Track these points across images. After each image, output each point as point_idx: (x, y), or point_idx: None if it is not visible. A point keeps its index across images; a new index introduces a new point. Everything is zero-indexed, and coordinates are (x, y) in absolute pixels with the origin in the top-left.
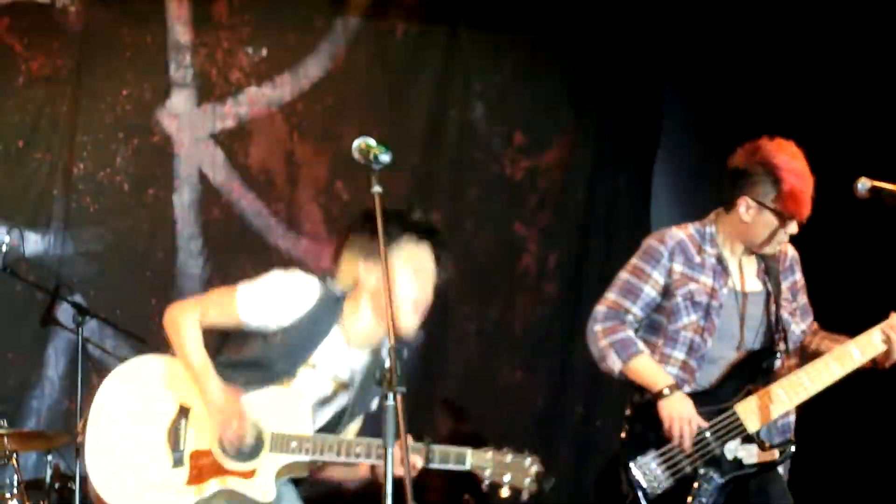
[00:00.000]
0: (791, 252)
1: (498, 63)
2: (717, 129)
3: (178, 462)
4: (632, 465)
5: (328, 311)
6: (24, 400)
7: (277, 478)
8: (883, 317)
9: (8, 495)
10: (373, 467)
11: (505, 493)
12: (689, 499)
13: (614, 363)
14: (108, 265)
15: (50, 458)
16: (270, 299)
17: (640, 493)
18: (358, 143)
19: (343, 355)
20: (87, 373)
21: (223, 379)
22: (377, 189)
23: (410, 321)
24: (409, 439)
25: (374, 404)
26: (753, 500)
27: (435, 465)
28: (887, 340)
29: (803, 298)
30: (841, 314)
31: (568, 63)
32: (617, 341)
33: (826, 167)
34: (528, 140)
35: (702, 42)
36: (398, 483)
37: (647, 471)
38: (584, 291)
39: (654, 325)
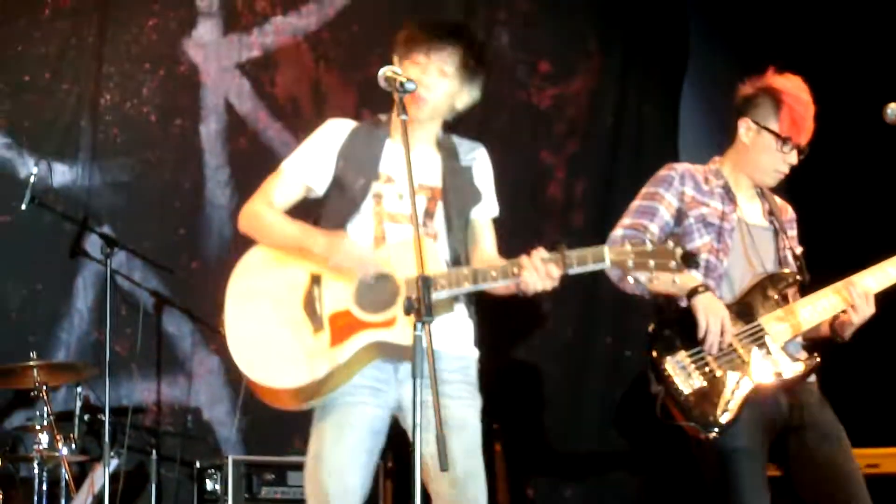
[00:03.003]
0: (791, 211)
1: None
2: (746, 54)
3: (318, 327)
4: (663, 362)
5: (373, 128)
6: (54, 332)
7: None
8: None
9: (38, 427)
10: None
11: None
12: (720, 399)
13: (640, 275)
14: (136, 196)
15: (79, 389)
16: (307, 145)
17: (671, 389)
18: (384, 71)
19: (413, 160)
20: (115, 304)
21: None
22: (404, 117)
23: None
24: (542, 251)
25: (475, 209)
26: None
27: (574, 270)
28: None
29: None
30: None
31: None
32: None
33: (854, 93)
34: (553, 68)
35: None
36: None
37: (679, 368)
38: (610, 220)
39: None
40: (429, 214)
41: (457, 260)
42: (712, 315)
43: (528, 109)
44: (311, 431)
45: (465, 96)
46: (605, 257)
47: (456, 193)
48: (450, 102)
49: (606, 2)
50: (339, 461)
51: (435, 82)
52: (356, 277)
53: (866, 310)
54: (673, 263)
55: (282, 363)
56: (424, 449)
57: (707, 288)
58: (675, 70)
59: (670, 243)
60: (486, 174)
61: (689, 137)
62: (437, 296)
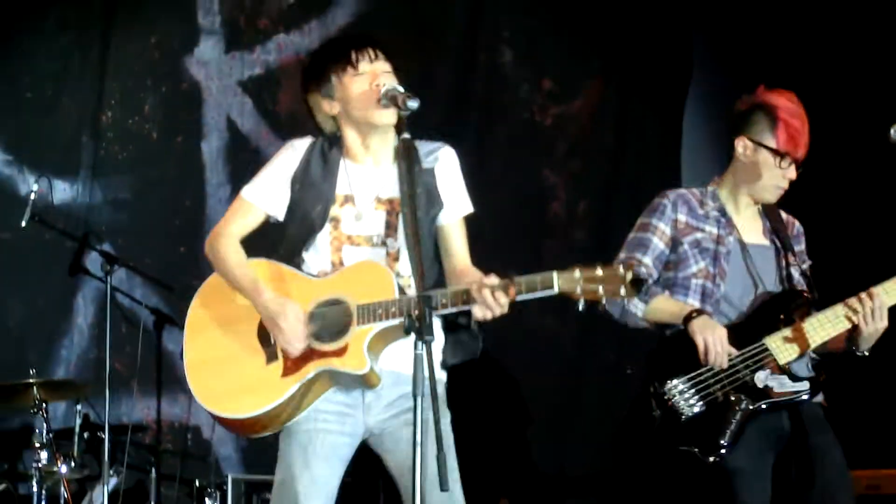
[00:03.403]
0: (798, 225)
1: (527, 8)
2: (748, 72)
3: (271, 357)
4: (662, 387)
5: (328, 149)
6: (54, 349)
7: (373, 348)
8: None
9: (38, 444)
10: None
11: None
12: (722, 422)
13: (636, 308)
14: (137, 213)
15: (79, 407)
16: (265, 171)
17: (670, 415)
18: (387, 89)
19: (370, 176)
20: (115, 322)
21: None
22: (406, 135)
23: (385, 118)
24: (492, 277)
25: (442, 214)
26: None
27: (523, 297)
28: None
29: (807, 270)
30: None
31: (596, 9)
32: None
33: (855, 115)
34: (556, 87)
35: None
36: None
37: (678, 393)
38: (612, 239)
39: (666, 282)
40: (391, 229)
41: (421, 274)
42: (710, 335)
43: (530, 127)
44: (277, 456)
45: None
46: (554, 283)
47: (415, 201)
48: None
49: (610, 20)
50: (305, 489)
51: (390, 80)
52: (310, 305)
53: (878, 323)
54: (622, 289)
55: (233, 394)
56: (405, 467)
57: (701, 312)
58: (678, 89)
59: (621, 268)
60: (449, 174)
61: (692, 156)
62: (386, 323)
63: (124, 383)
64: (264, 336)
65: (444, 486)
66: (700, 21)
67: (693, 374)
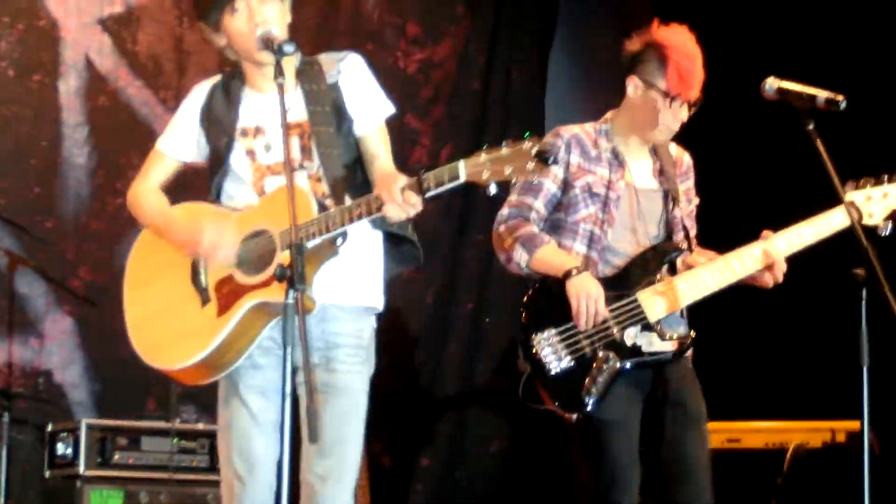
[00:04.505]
0: (687, 159)
1: None
2: (617, 22)
3: (205, 299)
4: (531, 339)
5: (230, 81)
6: None
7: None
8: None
9: None
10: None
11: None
12: (587, 379)
13: (521, 258)
14: None
15: None
16: (174, 119)
17: (537, 369)
18: (261, 32)
19: (275, 104)
20: None
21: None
22: (281, 80)
23: (266, 58)
24: (402, 177)
25: (356, 126)
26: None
27: (433, 192)
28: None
29: (693, 209)
30: (744, 216)
31: None
32: (521, 236)
33: (734, 66)
34: (421, 31)
35: None
36: None
37: (546, 346)
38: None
39: (555, 224)
40: (306, 152)
41: (340, 192)
42: (584, 297)
43: (394, 73)
44: (218, 398)
45: (287, 14)
46: (460, 172)
47: (324, 119)
48: (285, 22)
49: None
50: (246, 427)
51: (268, 11)
52: (238, 240)
53: (778, 275)
54: (530, 165)
55: (172, 344)
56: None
57: (581, 269)
58: (545, 33)
59: (525, 144)
60: (356, 82)
61: (556, 100)
62: (311, 244)
63: None
64: (197, 279)
65: (312, 438)
66: None
67: (563, 328)
